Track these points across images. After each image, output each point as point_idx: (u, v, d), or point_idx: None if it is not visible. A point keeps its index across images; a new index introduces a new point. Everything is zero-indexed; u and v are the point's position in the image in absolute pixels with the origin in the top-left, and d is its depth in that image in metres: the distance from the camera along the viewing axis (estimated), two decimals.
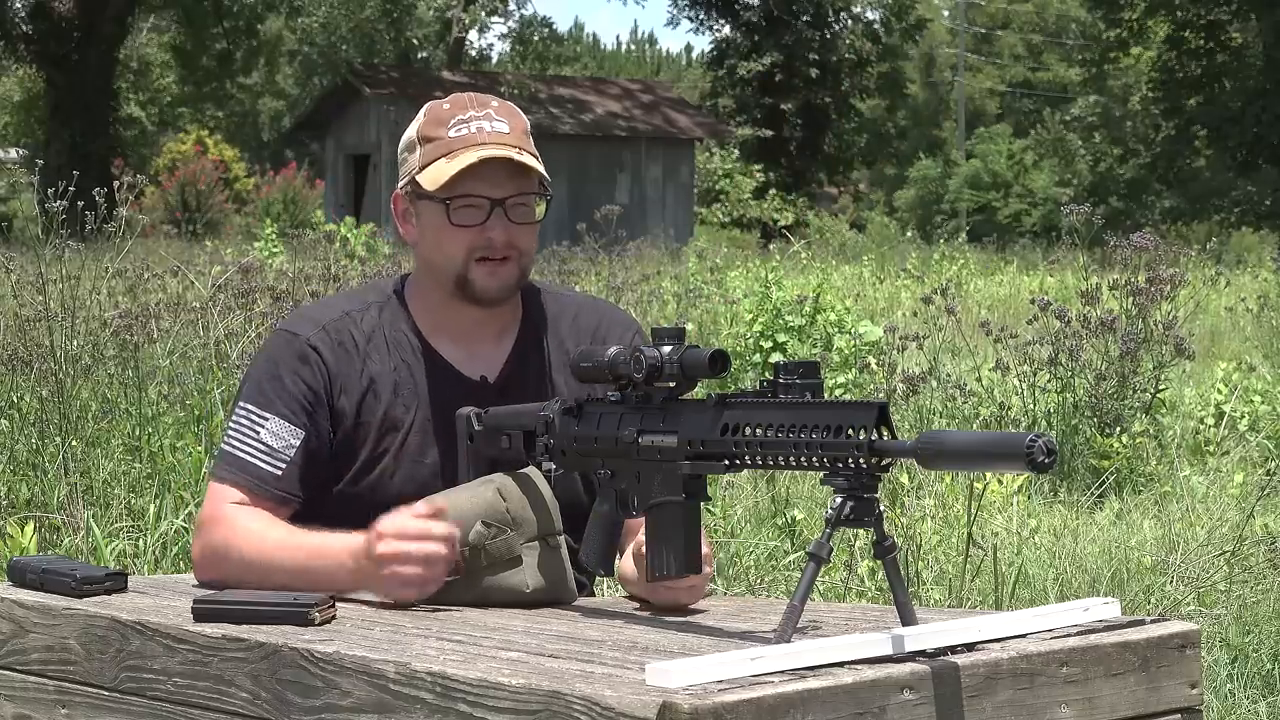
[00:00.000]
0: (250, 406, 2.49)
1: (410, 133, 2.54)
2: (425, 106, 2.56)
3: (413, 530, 2.23)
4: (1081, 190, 43.35)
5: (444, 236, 2.49)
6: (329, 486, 2.49)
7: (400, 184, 2.55)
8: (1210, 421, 7.54)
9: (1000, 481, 5.09)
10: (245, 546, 2.39)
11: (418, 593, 2.24)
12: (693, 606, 2.27)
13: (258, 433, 2.46)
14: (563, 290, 2.72)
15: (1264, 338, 12.57)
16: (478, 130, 2.47)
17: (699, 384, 2.11)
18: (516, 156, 2.45)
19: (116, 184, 6.28)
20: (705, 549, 2.19)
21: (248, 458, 2.46)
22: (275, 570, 2.33)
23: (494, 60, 49.82)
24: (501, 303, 2.53)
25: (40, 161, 6.81)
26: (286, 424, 2.46)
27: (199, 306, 6.69)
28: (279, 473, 2.45)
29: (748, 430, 1.94)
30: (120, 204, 6.30)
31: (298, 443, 2.46)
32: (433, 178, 2.46)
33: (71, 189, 6.07)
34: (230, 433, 2.49)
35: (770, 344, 8.33)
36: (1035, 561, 5.00)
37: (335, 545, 2.31)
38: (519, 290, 2.56)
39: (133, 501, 5.14)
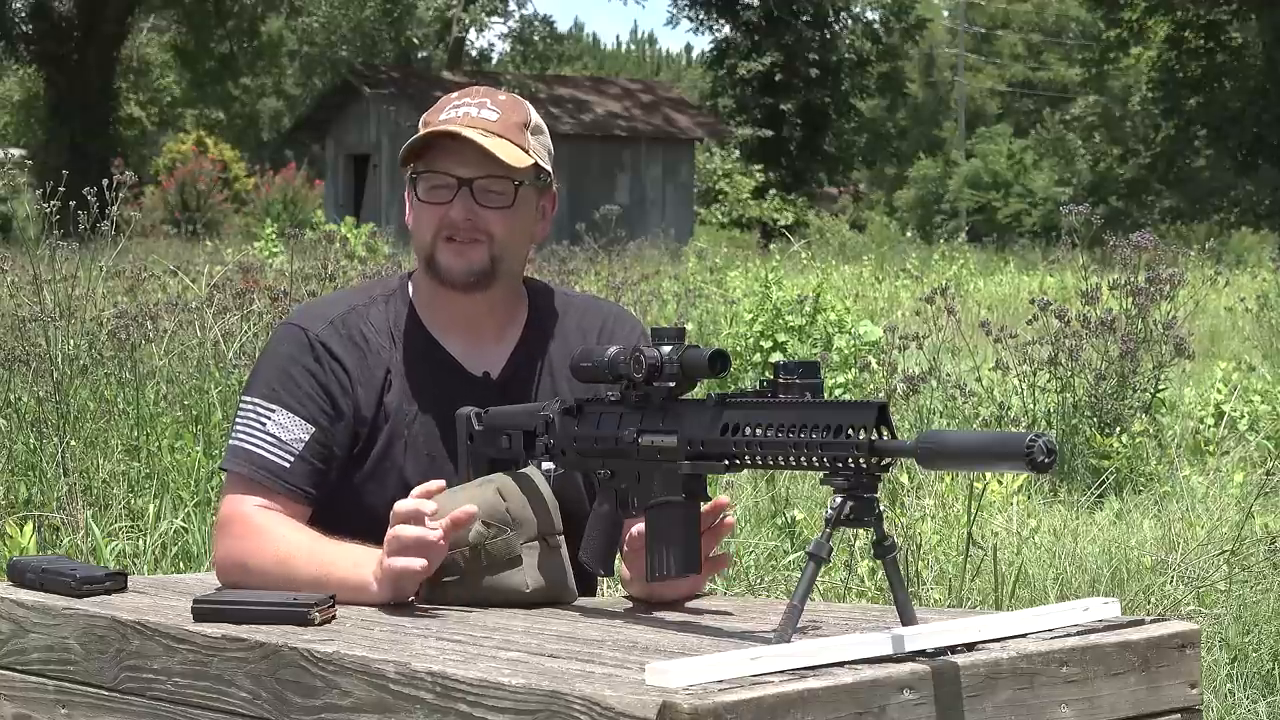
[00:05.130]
0: (255, 400, 2.46)
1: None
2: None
3: (403, 512, 2.21)
4: (1081, 190, 43.36)
5: (417, 214, 2.50)
6: (342, 483, 2.47)
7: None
8: (1210, 421, 7.54)
9: (1000, 481, 5.09)
10: (264, 557, 2.36)
11: (412, 580, 2.21)
12: (692, 606, 2.26)
13: (264, 424, 2.44)
14: (570, 291, 2.71)
15: (1264, 338, 12.57)
16: (464, 115, 2.46)
17: (699, 384, 2.10)
18: (479, 139, 2.42)
19: (107, 182, 6.26)
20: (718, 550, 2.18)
21: (254, 448, 2.43)
22: (297, 580, 2.30)
23: (494, 60, 49.79)
24: (470, 287, 2.48)
25: (30, 161, 6.82)
26: (295, 417, 2.43)
27: (195, 306, 6.69)
28: (287, 465, 2.42)
29: (748, 430, 1.94)
30: (112, 203, 6.28)
31: (306, 437, 2.43)
32: (405, 151, 2.48)
33: (62, 189, 6.05)
34: (237, 426, 2.47)
35: (770, 344, 8.34)
36: (1035, 561, 5.00)
37: (348, 557, 2.30)
38: (492, 278, 2.49)
39: (132, 501, 5.14)
